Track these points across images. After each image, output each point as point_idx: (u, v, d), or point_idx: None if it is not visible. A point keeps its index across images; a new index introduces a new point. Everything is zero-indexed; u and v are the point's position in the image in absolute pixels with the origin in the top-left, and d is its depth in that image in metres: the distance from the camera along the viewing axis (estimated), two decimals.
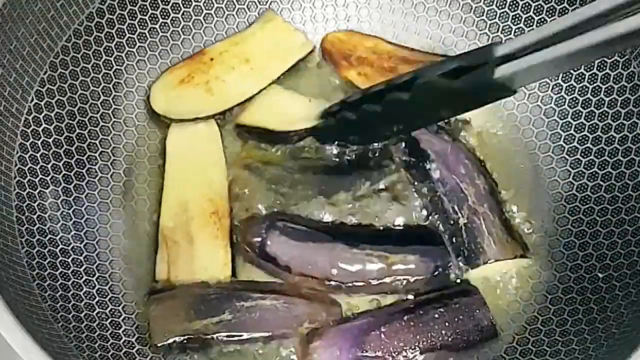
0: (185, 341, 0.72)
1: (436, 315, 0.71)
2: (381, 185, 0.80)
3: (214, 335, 0.72)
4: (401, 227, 0.80)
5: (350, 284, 0.74)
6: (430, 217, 0.80)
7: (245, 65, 0.85)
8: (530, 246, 0.79)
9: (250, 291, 0.74)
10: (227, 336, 0.72)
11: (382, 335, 0.70)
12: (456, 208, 0.77)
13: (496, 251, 0.75)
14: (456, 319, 0.71)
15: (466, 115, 0.84)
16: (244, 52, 0.86)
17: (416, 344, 0.70)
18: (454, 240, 0.77)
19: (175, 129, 0.83)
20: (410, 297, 0.75)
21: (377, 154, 0.82)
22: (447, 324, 0.71)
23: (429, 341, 0.70)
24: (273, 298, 0.73)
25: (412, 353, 0.70)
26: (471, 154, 0.81)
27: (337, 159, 0.82)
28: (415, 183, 0.81)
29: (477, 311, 0.72)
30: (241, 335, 0.72)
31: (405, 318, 0.71)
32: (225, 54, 0.86)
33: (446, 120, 0.83)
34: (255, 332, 0.72)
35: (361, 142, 0.81)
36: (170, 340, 0.71)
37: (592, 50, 0.49)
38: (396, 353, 0.70)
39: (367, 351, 0.69)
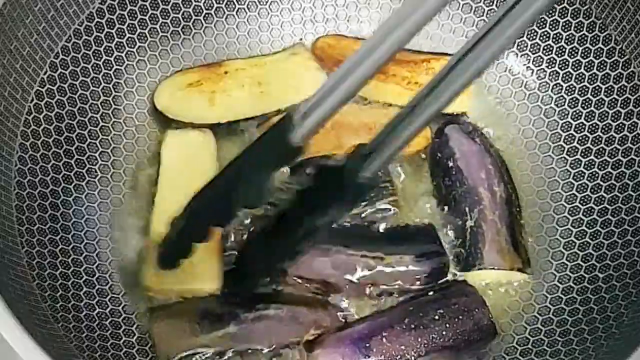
0: (191, 356, 0.71)
1: (436, 317, 0.71)
2: (378, 206, 0.78)
3: (220, 349, 0.71)
4: (397, 227, 0.79)
5: (347, 287, 0.74)
6: (441, 215, 0.80)
7: (256, 87, 0.85)
8: (530, 253, 0.78)
9: (254, 302, 0.74)
10: (234, 349, 0.71)
11: (384, 340, 0.70)
12: (467, 210, 0.77)
13: (494, 259, 0.75)
14: (456, 319, 0.71)
15: (462, 109, 0.84)
16: (260, 75, 0.85)
17: (418, 346, 0.70)
18: (456, 240, 0.77)
19: (171, 136, 0.82)
20: (409, 298, 0.75)
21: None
22: (447, 324, 0.71)
23: (431, 342, 0.70)
24: (277, 307, 0.73)
25: (414, 355, 0.70)
26: (498, 160, 0.81)
27: None
28: (435, 179, 0.82)
29: (477, 310, 0.72)
30: (248, 347, 0.71)
31: (406, 321, 0.71)
32: (240, 71, 0.85)
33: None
34: (261, 343, 0.72)
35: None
36: (176, 357, 0.71)
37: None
38: (399, 356, 0.69)
39: (369, 356, 0.69)
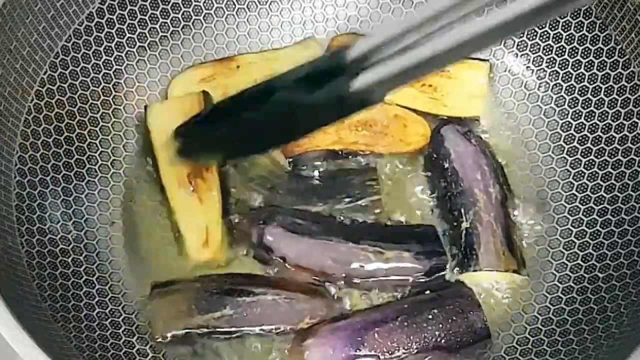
0: (186, 336, 0.72)
1: (430, 316, 0.71)
2: (361, 203, 0.79)
3: (215, 330, 0.72)
4: (400, 224, 0.80)
5: (344, 279, 0.74)
6: (436, 216, 0.80)
7: None
8: (529, 252, 0.78)
9: (252, 286, 0.74)
10: (228, 331, 0.72)
11: (376, 335, 0.70)
12: (462, 211, 0.77)
13: (490, 261, 0.74)
14: (450, 320, 0.71)
15: (475, 114, 0.84)
16: (272, 68, 0.85)
17: (409, 344, 0.70)
18: (452, 242, 0.77)
19: (155, 106, 0.82)
20: (405, 296, 0.75)
21: (362, 173, 0.81)
22: (440, 325, 0.71)
23: (423, 342, 0.70)
24: (274, 293, 0.73)
25: (405, 353, 0.70)
26: (493, 161, 0.81)
27: (322, 174, 0.82)
28: (430, 180, 0.82)
29: (471, 313, 0.72)
30: (242, 330, 0.72)
31: (400, 318, 0.71)
32: (253, 65, 0.86)
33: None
34: (256, 327, 0.72)
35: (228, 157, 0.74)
36: (171, 335, 0.71)
37: (452, 52, 0.44)
38: (389, 353, 0.69)
39: (360, 350, 0.69)
